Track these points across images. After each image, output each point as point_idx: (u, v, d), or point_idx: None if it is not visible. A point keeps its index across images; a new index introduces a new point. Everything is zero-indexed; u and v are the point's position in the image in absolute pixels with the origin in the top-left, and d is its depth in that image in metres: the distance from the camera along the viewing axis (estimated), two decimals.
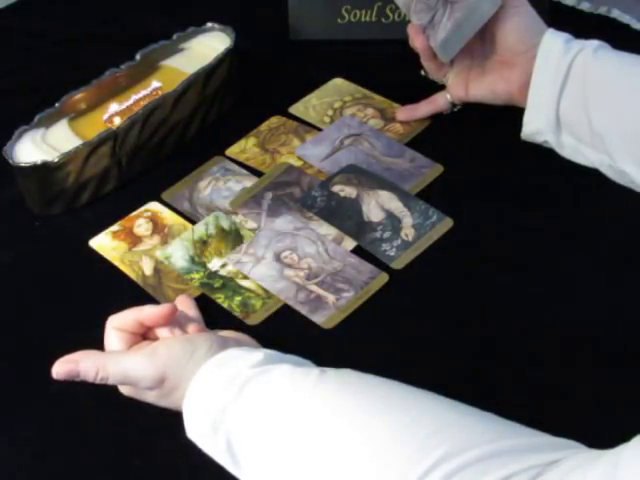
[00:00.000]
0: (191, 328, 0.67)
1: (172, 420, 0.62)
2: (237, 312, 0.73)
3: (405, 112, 0.91)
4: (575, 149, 0.81)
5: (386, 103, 0.93)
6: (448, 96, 0.89)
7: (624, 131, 0.76)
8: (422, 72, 0.91)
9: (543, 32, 0.80)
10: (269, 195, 0.83)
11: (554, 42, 0.79)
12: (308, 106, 0.94)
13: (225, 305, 0.74)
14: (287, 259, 0.77)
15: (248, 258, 0.77)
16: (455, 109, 0.90)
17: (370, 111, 0.92)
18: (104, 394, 0.64)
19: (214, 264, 0.77)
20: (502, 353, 0.69)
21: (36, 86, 0.98)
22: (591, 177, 0.81)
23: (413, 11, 0.85)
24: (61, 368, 0.61)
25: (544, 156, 0.83)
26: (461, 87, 0.87)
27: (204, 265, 0.77)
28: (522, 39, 0.81)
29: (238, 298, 0.74)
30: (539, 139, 0.83)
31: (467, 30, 0.82)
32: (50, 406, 0.67)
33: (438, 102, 0.89)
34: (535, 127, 0.81)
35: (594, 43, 0.78)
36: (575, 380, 0.66)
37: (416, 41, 0.85)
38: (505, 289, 0.74)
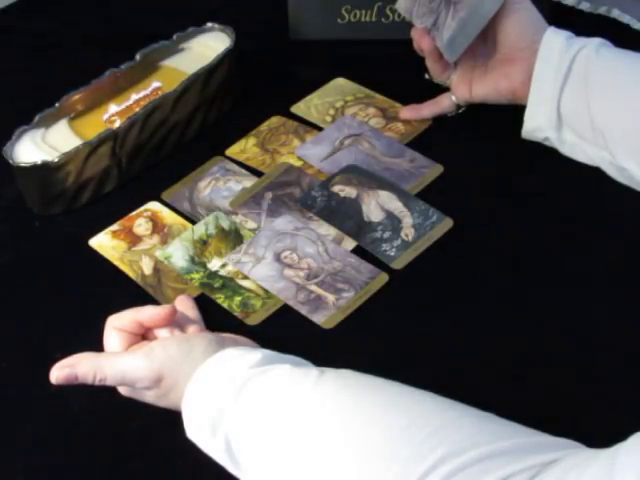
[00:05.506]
0: (191, 329, 0.67)
1: (171, 419, 0.62)
2: (237, 312, 0.73)
3: (409, 111, 0.91)
4: (576, 146, 0.81)
5: (388, 103, 0.93)
6: (453, 98, 0.89)
7: (625, 127, 0.76)
8: (426, 75, 0.91)
9: (544, 29, 0.80)
10: (269, 195, 0.83)
11: (556, 39, 0.79)
12: (310, 105, 0.94)
13: (225, 305, 0.74)
14: (287, 259, 0.77)
15: (248, 258, 0.77)
16: (460, 111, 0.90)
17: (372, 110, 0.92)
18: (103, 394, 0.64)
19: (214, 264, 0.77)
20: (502, 353, 0.69)
21: (36, 86, 0.98)
22: (591, 177, 0.81)
23: (416, 15, 0.85)
24: (60, 373, 0.61)
25: (544, 156, 0.84)
26: (465, 88, 0.87)
27: (204, 265, 0.77)
28: (524, 35, 0.81)
29: (238, 298, 0.74)
30: (540, 136, 0.83)
31: (471, 29, 0.82)
32: (50, 406, 0.67)
33: (443, 103, 0.90)
34: (536, 123, 0.82)
35: (596, 40, 0.79)
36: (575, 380, 0.66)
37: (422, 43, 0.85)
38: (505, 289, 0.74)
